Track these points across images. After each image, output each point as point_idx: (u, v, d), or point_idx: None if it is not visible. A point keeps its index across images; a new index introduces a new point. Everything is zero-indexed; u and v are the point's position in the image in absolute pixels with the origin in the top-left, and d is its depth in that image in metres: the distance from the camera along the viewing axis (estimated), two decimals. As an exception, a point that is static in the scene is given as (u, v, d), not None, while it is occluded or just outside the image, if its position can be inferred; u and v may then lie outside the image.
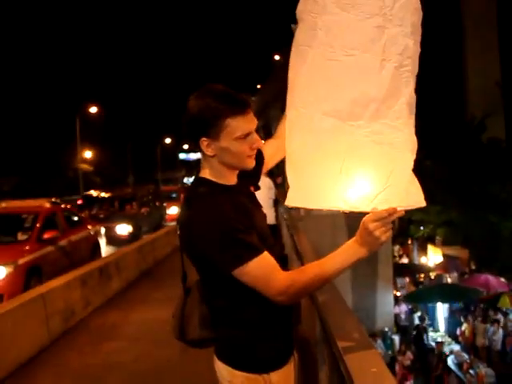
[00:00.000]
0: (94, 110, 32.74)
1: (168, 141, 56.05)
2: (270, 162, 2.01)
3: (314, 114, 1.57)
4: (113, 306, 7.39)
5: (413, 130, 1.61)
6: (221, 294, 1.69)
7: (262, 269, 1.55)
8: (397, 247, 22.95)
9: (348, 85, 1.52)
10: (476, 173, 19.06)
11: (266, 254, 1.56)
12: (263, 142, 2.00)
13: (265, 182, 7.74)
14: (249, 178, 1.83)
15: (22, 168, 37.93)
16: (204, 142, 1.61)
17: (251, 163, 1.69)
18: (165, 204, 20.86)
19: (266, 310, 1.65)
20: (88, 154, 41.14)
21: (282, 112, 2.19)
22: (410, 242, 24.10)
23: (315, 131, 1.56)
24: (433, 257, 22.06)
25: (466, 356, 12.60)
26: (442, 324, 15.65)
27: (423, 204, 1.59)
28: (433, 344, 13.64)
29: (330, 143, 1.53)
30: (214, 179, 1.67)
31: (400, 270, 18.36)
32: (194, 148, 1.68)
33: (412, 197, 1.58)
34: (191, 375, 4.58)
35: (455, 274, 18.54)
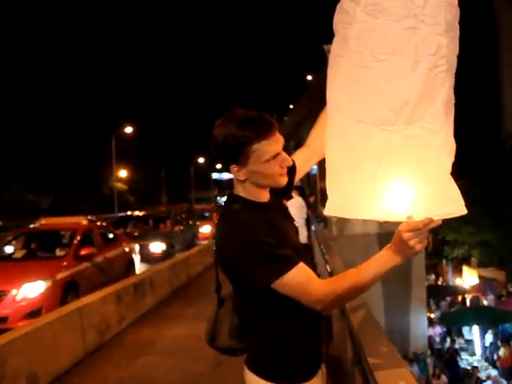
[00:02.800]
0: (129, 129, 33.44)
1: (201, 160, 56.64)
2: (301, 171, 2.04)
3: (348, 121, 1.57)
4: (146, 321, 7.52)
5: (451, 131, 1.57)
6: (254, 307, 1.74)
7: (299, 279, 1.59)
8: (432, 276, 22.53)
9: (381, 90, 1.50)
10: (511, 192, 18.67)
11: (301, 264, 1.60)
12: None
13: (297, 201, 7.80)
14: (281, 190, 1.88)
15: (59, 186, 38.92)
16: (234, 168, 1.67)
17: (283, 181, 1.73)
18: (198, 223, 21.07)
19: (297, 322, 1.71)
20: (123, 173, 41.93)
21: (311, 121, 2.26)
22: (444, 263, 23.64)
23: (350, 139, 1.56)
24: (468, 278, 21.54)
25: (504, 382, 12.25)
26: (478, 348, 15.25)
27: (464, 211, 1.52)
28: (468, 368, 13.30)
29: (365, 150, 1.52)
30: (246, 197, 1.73)
31: (434, 292, 18.00)
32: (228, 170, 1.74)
33: (451, 204, 1.52)
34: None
35: (492, 297, 18.07)
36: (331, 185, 1.68)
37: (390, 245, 1.53)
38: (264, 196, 1.77)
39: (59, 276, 7.72)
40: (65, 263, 8.16)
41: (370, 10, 1.50)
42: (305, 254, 1.80)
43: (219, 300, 1.93)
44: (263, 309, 1.72)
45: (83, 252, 8.62)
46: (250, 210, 1.69)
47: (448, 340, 15.42)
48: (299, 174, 2.06)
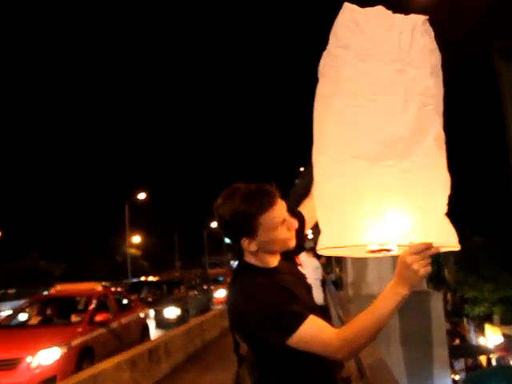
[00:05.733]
0: (142, 195, 33.82)
1: (214, 225, 56.73)
2: (311, 221, 2.07)
3: (342, 158, 1.59)
4: (162, 389, 7.33)
5: (444, 166, 1.60)
6: (268, 367, 1.75)
7: (312, 332, 1.58)
8: (454, 337, 21.85)
9: (374, 128, 1.55)
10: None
11: (311, 317, 1.60)
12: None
13: (311, 263, 7.74)
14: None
15: (72, 253, 39.08)
16: (245, 241, 1.71)
17: (292, 243, 1.78)
18: (212, 287, 20.91)
19: (311, 379, 1.71)
20: (136, 239, 42.08)
21: None
22: (465, 321, 23.03)
23: (345, 174, 1.58)
24: (492, 337, 20.90)
25: None
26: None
27: (458, 247, 1.53)
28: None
29: (361, 184, 1.54)
30: (255, 263, 1.77)
31: (457, 352, 17.44)
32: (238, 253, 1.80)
33: (446, 237, 1.53)
34: None
35: (518, 356, 17.49)
36: (324, 219, 1.67)
37: (394, 278, 1.51)
38: (274, 261, 1.81)
39: (74, 342, 7.65)
40: (80, 329, 8.09)
41: (360, 55, 1.59)
42: (320, 313, 1.76)
43: (238, 359, 1.94)
44: (277, 369, 1.72)
45: (98, 318, 8.57)
46: (258, 276, 1.73)
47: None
48: (309, 225, 2.10)
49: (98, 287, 9.89)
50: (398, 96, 1.55)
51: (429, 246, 1.43)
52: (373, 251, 1.57)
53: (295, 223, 1.78)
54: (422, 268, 1.43)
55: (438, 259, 22.36)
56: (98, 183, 47.54)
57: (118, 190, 40.68)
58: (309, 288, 1.92)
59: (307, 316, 1.60)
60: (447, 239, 1.53)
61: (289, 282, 1.75)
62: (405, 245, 1.47)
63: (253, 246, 1.72)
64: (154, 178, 56.79)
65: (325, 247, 1.65)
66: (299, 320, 1.58)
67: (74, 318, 8.60)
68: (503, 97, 29.23)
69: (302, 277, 1.94)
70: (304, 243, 2.15)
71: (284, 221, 1.73)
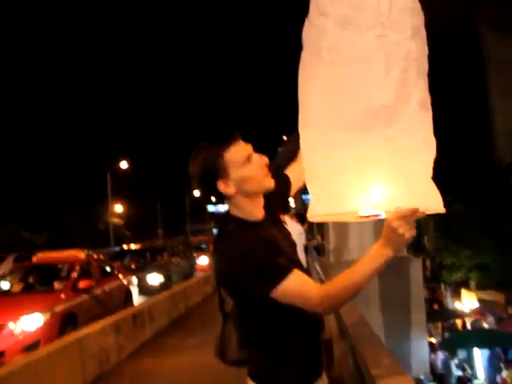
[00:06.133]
0: (124, 164, 33.54)
1: (197, 193, 56.69)
2: (296, 184, 2.13)
3: (327, 129, 1.60)
4: (146, 352, 7.46)
5: (430, 129, 1.61)
6: (253, 320, 1.81)
7: (296, 285, 1.64)
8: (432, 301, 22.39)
9: (357, 97, 1.55)
10: (507, 214, 18.80)
11: (296, 271, 1.65)
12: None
13: (294, 228, 7.82)
14: (278, 205, 1.97)
15: (53, 223, 38.82)
16: (221, 184, 1.75)
17: (270, 182, 1.81)
18: (195, 254, 21.07)
19: (295, 333, 1.77)
20: (118, 208, 41.93)
21: None
22: (442, 287, 23.57)
23: (331, 145, 1.59)
24: (467, 302, 21.47)
25: (508, 404, 12.13)
26: (480, 371, 15.10)
27: (443, 210, 1.57)
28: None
29: (347, 153, 1.56)
30: (241, 216, 1.81)
31: (434, 317, 17.90)
32: (222, 201, 1.82)
33: (432, 201, 1.56)
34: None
35: (492, 319, 17.98)
36: (314, 189, 1.69)
37: (380, 239, 1.56)
38: (258, 212, 1.84)
39: (57, 309, 7.70)
40: (63, 296, 8.15)
41: (340, 22, 1.57)
42: (304, 269, 1.81)
43: (224, 316, 1.98)
44: (262, 320, 1.78)
45: (81, 285, 8.61)
46: (243, 228, 1.76)
47: (452, 364, 15.29)
48: (294, 187, 2.14)
49: (81, 254, 9.90)
50: (380, 63, 1.54)
51: (414, 211, 1.47)
52: (362, 216, 1.63)
53: (265, 159, 1.81)
54: (408, 232, 1.49)
55: (419, 226, 22.73)
56: (79, 152, 46.96)
57: (99, 159, 40.27)
58: (294, 244, 1.97)
59: (292, 270, 1.65)
60: (433, 203, 1.56)
61: (274, 237, 1.79)
62: (392, 210, 1.50)
63: (230, 188, 1.75)
64: (135, 147, 56.25)
65: (315, 214, 1.68)
66: (284, 273, 1.63)
67: (57, 285, 8.63)
68: (487, 65, 29.40)
69: (287, 233, 1.97)
70: (289, 205, 2.21)
71: (250, 156, 1.77)
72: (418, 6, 1.63)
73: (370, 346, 2.75)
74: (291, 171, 2.15)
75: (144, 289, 14.08)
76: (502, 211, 19.08)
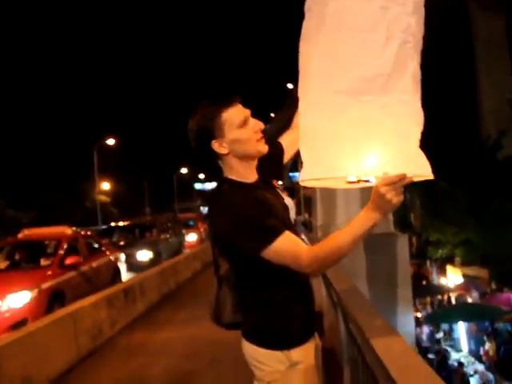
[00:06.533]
0: (111, 141, 33.23)
1: (184, 171, 56.56)
2: (289, 152, 2.18)
3: (326, 92, 1.65)
4: (138, 326, 7.55)
5: (419, 103, 1.69)
6: (247, 280, 1.87)
7: (286, 246, 1.70)
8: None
9: (356, 63, 1.61)
10: (493, 192, 19.03)
11: (287, 232, 1.72)
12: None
13: (287, 202, 7.88)
14: (271, 171, 2.03)
15: (40, 200, 38.48)
16: (215, 143, 1.80)
17: (263, 147, 1.86)
18: (184, 231, 21.15)
19: (287, 292, 1.84)
20: (106, 186, 41.69)
21: None
22: (428, 263, 23.93)
23: (328, 108, 1.64)
24: (452, 277, 21.84)
25: (490, 376, 12.44)
26: (464, 344, 15.47)
27: (431, 176, 1.63)
28: (456, 365, 13.49)
29: (342, 118, 1.62)
30: (235, 178, 1.85)
31: (420, 292, 18.21)
32: (215, 161, 1.86)
33: (420, 168, 1.63)
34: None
35: (476, 294, 18.35)
36: (307, 151, 1.75)
37: (368, 204, 1.62)
38: (251, 175, 1.89)
39: (44, 286, 7.60)
40: (50, 272, 8.04)
41: None
42: (295, 231, 1.88)
43: (218, 280, 2.04)
44: (255, 281, 1.84)
45: (68, 261, 8.50)
46: (237, 189, 1.81)
47: (437, 338, 15.66)
48: (287, 155, 2.20)
49: (68, 231, 9.70)
50: (381, 33, 1.59)
51: (402, 177, 1.53)
52: (351, 182, 1.68)
53: (261, 123, 1.85)
54: (395, 197, 1.55)
55: (405, 204, 22.95)
56: (66, 128, 46.36)
57: (86, 135, 39.80)
58: (286, 207, 2.02)
59: (283, 231, 1.71)
60: (421, 170, 1.62)
61: (267, 198, 1.84)
62: (381, 176, 1.56)
63: (223, 148, 1.80)
64: (123, 124, 55.64)
65: (306, 179, 1.74)
66: (276, 233, 1.69)
67: (44, 262, 8.51)
68: (475, 44, 29.42)
69: (280, 197, 2.03)
70: (283, 171, 2.26)
71: (247, 120, 1.81)
72: None
73: (362, 311, 2.82)
74: (284, 139, 2.20)
75: (133, 265, 14.14)
76: (488, 188, 19.31)
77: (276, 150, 2.10)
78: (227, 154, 1.82)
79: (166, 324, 7.58)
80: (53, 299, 7.60)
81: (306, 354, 1.88)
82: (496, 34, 28.26)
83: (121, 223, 20.37)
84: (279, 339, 1.84)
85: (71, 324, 5.87)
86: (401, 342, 2.06)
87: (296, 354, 1.84)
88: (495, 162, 20.58)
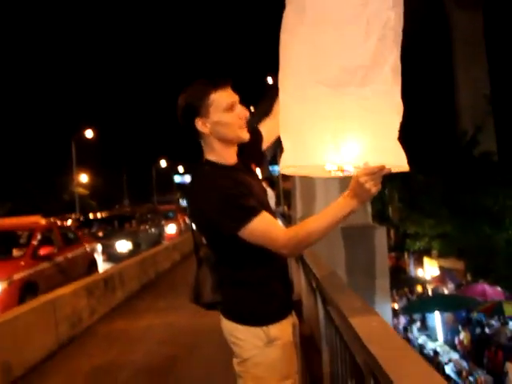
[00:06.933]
0: (89, 133, 32.88)
1: (163, 164, 56.24)
2: (268, 139, 2.23)
3: (306, 82, 1.68)
4: (118, 314, 7.54)
5: (399, 95, 1.73)
6: (225, 258, 1.92)
7: (263, 226, 1.75)
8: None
9: (337, 55, 1.65)
10: (469, 186, 19.37)
11: (265, 213, 1.77)
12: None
13: (267, 191, 7.96)
14: (250, 157, 2.08)
15: (16, 193, 37.91)
16: (198, 121, 1.84)
17: (245, 134, 1.91)
18: (163, 222, 21.08)
19: (263, 271, 1.89)
20: (84, 178, 41.27)
21: None
22: (406, 256, 24.28)
23: (308, 98, 1.68)
24: (429, 269, 22.20)
25: (464, 363, 12.73)
26: (440, 334, 15.77)
27: (407, 168, 1.68)
28: (431, 354, 13.77)
29: (322, 108, 1.65)
30: (214, 160, 1.90)
31: (397, 283, 18.48)
32: (196, 139, 1.90)
33: (398, 160, 1.68)
34: (197, 370, 4.77)
35: (452, 286, 18.69)
36: (287, 140, 1.78)
37: (347, 191, 1.68)
38: (231, 158, 1.94)
39: (16, 276, 7.40)
40: (22, 263, 7.83)
41: None
42: (272, 213, 1.92)
43: (198, 260, 2.08)
44: (233, 259, 1.89)
45: (42, 252, 8.29)
46: (216, 170, 1.86)
47: (414, 328, 15.93)
48: (266, 142, 2.24)
49: (42, 221, 9.35)
50: (361, 27, 1.63)
51: (381, 168, 1.59)
52: (331, 171, 1.73)
53: (246, 111, 1.90)
54: (374, 187, 1.61)
55: (383, 197, 23.24)
56: (42, 120, 45.61)
57: (63, 127, 39.19)
58: (264, 190, 2.08)
59: (261, 211, 1.76)
60: (398, 161, 1.67)
61: (247, 180, 1.89)
62: (360, 166, 1.62)
63: (206, 128, 1.85)
64: (101, 116, 54.93)
65: (287, 165, 1.78)
66: (253, 213, 1.74)
67: (16, 253, 8.25)
68: (453, 42, 29.80)
69: (259, 180, 2.08)
70: (262, 158, 2.31)
71: (234, 105, 1.86)
72: None
73: (340, 293, 2.89)
74: (264, 126, 2.24)
75: (113, 256, 14.06)
76: (463, 183, 19.65)
77: (255, 136, 2.13)
78: (208, 135, 1.87)
79: (145, 312, 7.59)
80: (25, 291, 7.38)
81: (283, 331, 1.92)
82: (473, 32, 28.69)
83: (99, 215, 20.22)
84: (257, 315, 1.88)
85: (51, 311, 5.85)
86: (378, 319, 2.13)
87: (274, 330, 1.88)
88: (471, 157, 20.93)
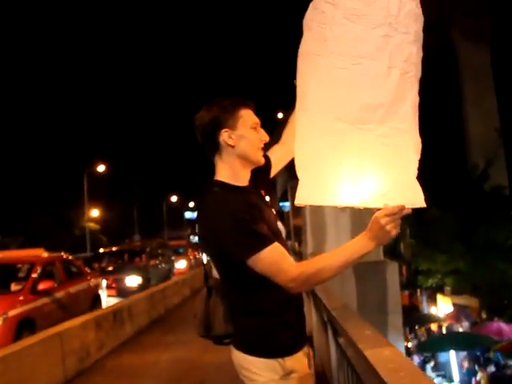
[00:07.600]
0: (101, 168, 33.15)
1: (174, 199, 56.42)
2: (276, 167, 2.16)
3: (325, 118, 1.64)
4: (126, 348, 7.44)
5: (417, 131, 1.69)
6: (236, 286, 1.82)
7: (274, 257, 1.68)
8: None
9: (357, 91, 1.61)
10: (481, 221, 19.18)
11: (276, 243, 1.70)
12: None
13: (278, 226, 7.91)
14: (260, 183, 2.01)
15: (28, 227, 38.07)
16: (224, 132, 1.79)
17: (261, 158, 1.88)
18: (173, 258, 20.98)
19: (274, 300, 1.78)
20: (95, 213, 41.44)
21: (287, 170, 2.35)
22: (418, 293, 23.87)
23: (327, 134, 1.64)
24: (443, 307, 21.78)
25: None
26: (456, 374, 15.34)
27: (424, 205, 1.64)
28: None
29: (341, 145, 1.62)
30: (226, 181, 1.83)
31: (410, 321, 18.12)
32: (215, 152, 1.85)
33: (416, 196, 1.64)
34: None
35: (467, 324, 18.27)
36: (304, 176, 1.72)
37: (365, 231, 1.62)
38: (244, 179, 1.88)
39: (12, 313, 7.05)
40: (20, 298, 7.47)
41: (349, 15, 1.62)
42: (282, 237, 1.88)
43: (208, 289, 1.97)
44: (243, 286, 1.80)
45: (42, 286, 7.91)
46: (228, 191, 1.80)
47: (428, 367, 15.51)
48: (274, 170, 2.18)
49: (43, 254, 9.05)
50: (383, 62, 1.60)
51: (401, 208, 1.54)
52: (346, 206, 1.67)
53: (267, 136, 1.88)
54: (394, 229, 1.56)
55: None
56: (54, 154, 46.10)
57: (75, 162, 39.65)
58: (276, 217, 2.00)
59: (273, 241, 1.69)
60: (416, 198, 1.64)
61: (259, 205, 1.83)
62: (380, 206, 1.56)
63: (231, 140, 1.79)
64: (112, 151, 55.54)
65: (302, 203, 1.72)
66: (265, 242, 1.67)
67: (14, 287, 7.83)
68: (461, 76, 30.06)
69: (269, 205, 2.01)
70: (271, 184, 2.29)
71: (258, 125, 1.85)
72: (421, 12, 1.69)
73: (352, 323, 2.82)
74: (273, 152, 2.18)
75: (122, 291, 13.98)
76: (475, 217, 19.47)
77: (266, 162, 2.13)
78: (231, 148, 1.81)
79: (154, 347, 7.50)
80: (21, 327, 7.04)
81: (299, 362, 1.85)
82: (481, 64, 29.00)
83: (110, 249, 20.22)
84: (272, 346, 1.79)
85: (58, 344, 5.76)
86: (390, 348, 2.07)
87: (290, 362, 1.80)
88: (482, 192, 20.80)
